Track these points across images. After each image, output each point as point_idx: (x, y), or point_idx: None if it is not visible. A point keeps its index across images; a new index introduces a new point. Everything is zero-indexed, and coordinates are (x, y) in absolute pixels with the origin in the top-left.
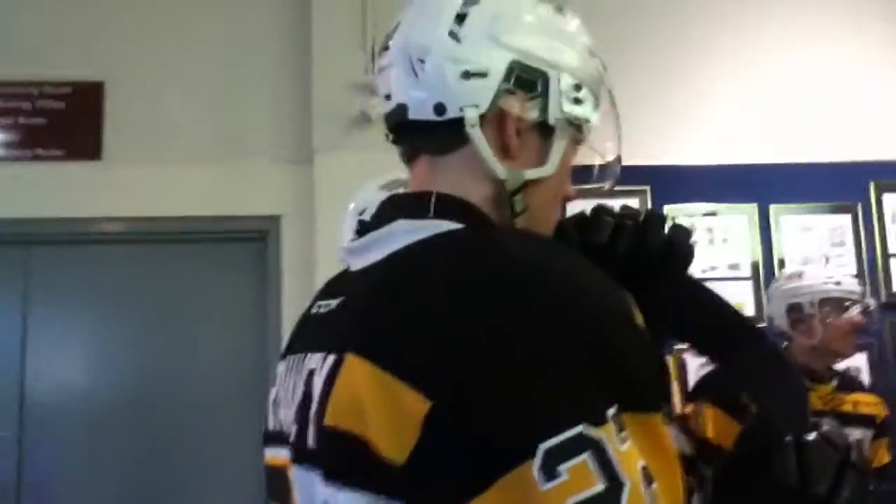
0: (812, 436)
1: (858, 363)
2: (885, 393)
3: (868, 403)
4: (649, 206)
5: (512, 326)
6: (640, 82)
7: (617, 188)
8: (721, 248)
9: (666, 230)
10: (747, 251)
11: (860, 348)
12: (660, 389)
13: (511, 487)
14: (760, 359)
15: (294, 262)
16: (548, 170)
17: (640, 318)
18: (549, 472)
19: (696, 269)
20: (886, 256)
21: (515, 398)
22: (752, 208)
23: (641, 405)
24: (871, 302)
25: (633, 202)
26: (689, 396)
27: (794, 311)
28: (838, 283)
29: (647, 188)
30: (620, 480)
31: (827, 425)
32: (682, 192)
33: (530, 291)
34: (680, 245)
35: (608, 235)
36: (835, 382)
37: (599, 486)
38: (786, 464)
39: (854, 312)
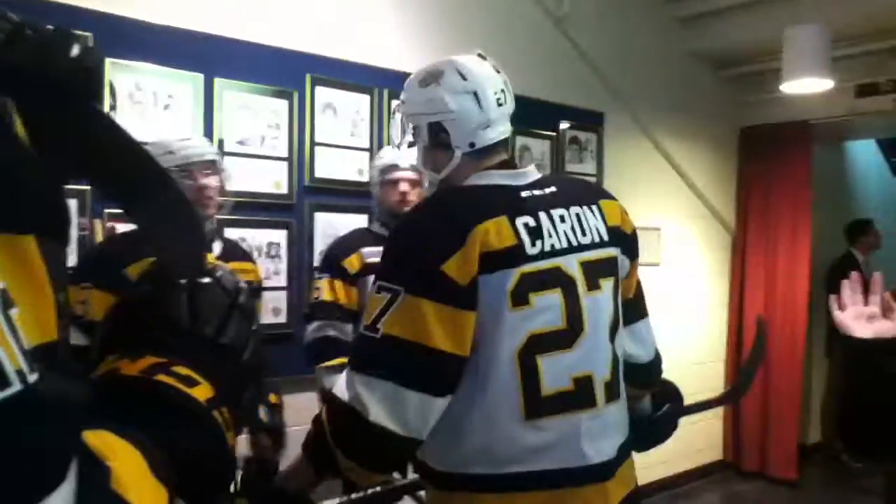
0: (205, 279)
1: (279, 239)
2: (297, 265)
3: (248, 270)
4: None
5: None
6: None
7: (55, 29)
8: (162, 114)
9: (76, 51)
10: (188, 121)
11: (284, 225)
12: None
13: None
14: (165, 203)
15: None
16: None
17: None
18: None
19: (137, 132)
20: (313, 144)
21: None
22: (197, 78)
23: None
24: (223, 167)
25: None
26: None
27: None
28: (186, 148)
29: (90, 35)
30: None
31: (221, 271)
32: (129, 47)
33: None
34: (92, 70)
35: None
36: (218, 251)
37: None
38: (178, 305)
39: (204, 180)
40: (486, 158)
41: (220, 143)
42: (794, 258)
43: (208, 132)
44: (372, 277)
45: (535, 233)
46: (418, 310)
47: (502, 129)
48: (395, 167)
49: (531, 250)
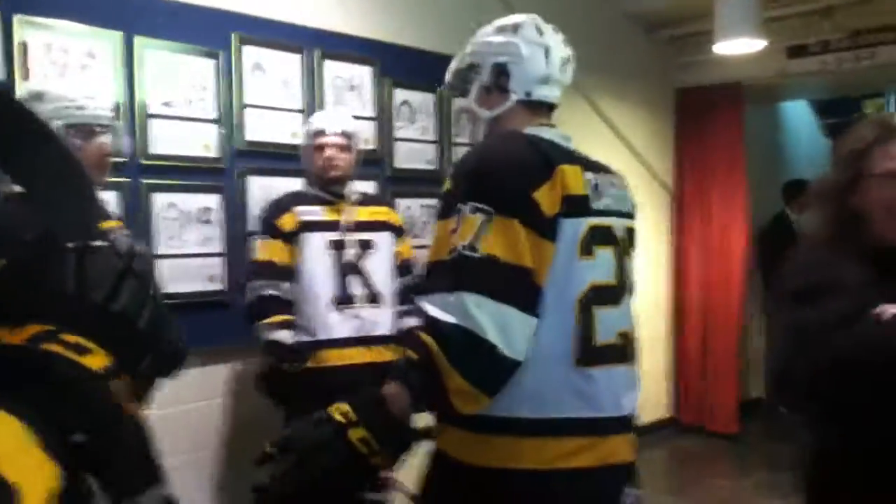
0: (96, 243)
1: (211, 203)
2: (232, 234)
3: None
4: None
5: None
6: None
7: None
8: (80, 74)
9: None
10: (108, 82)
11: (216, 190)
12: None
13: None
14: (50, 161)
15: None
16: None
17: None
18: None
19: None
20: (242, 105)
21: None
22: (116, 36)
23: None
24: (120, 127)
25: None
26: None
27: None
28: (81, 108)
29: None
30: None
31: (115, 234)
32: (41, 3)
33: None
34: None
35: None
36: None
37: None
38: (64, 271)
39: (102, 140)
40: (536, 115)
41: (144, 105)
42: (729, 217)
43: (129, 93)
44: (309, 234)
45: (597, 190)
46: (514, 231)
47: (557, 93)
48: (322, 132)
49: (595, 204)
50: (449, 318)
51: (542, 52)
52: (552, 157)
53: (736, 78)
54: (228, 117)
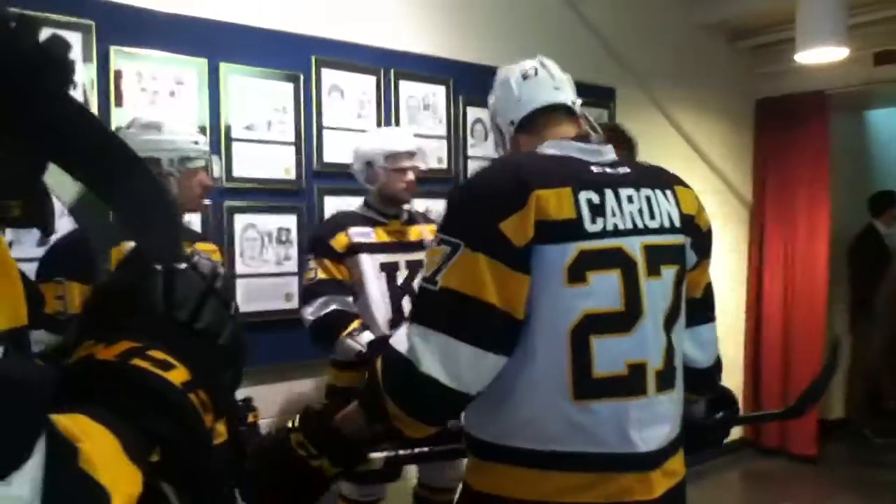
0: (181, 265)
1: (289, 224)
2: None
3: (209, 251)
4: (94, 43)
5: None
6: None
7: (53, 15)
8: (169, 101)
9: (41, 38)
10: (195, 107)
11: (294, 210)
12: None
13: None
14: (139, 186)
15: None
16: None
17: None
18: None
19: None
20: (321, 127)
21: None
22: (202, 63)
23: None
24: (216, 163)
25: (74, 37)
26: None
27: (151, 164)
28: (196, 143)
29: (92, 23)
30: None
31: (198, 256)
32: (133, 34)
33: None
34: (59, 57)
35: None
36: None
37: None
38: (153, 291)
39: (204, 172)
40: (542, 130)
41: (228, 128)
42: (812, 232)
43: (215, 117)
44: (361, 256)
45: (597, 210)
46: (475, 264)
47: (541, 99)
48: (403, 154)
49: (591, 227)
50: (399, 347)
51: (503, 86)
52: (530, 182)
53: (820, 87)
54: (307, 139)
